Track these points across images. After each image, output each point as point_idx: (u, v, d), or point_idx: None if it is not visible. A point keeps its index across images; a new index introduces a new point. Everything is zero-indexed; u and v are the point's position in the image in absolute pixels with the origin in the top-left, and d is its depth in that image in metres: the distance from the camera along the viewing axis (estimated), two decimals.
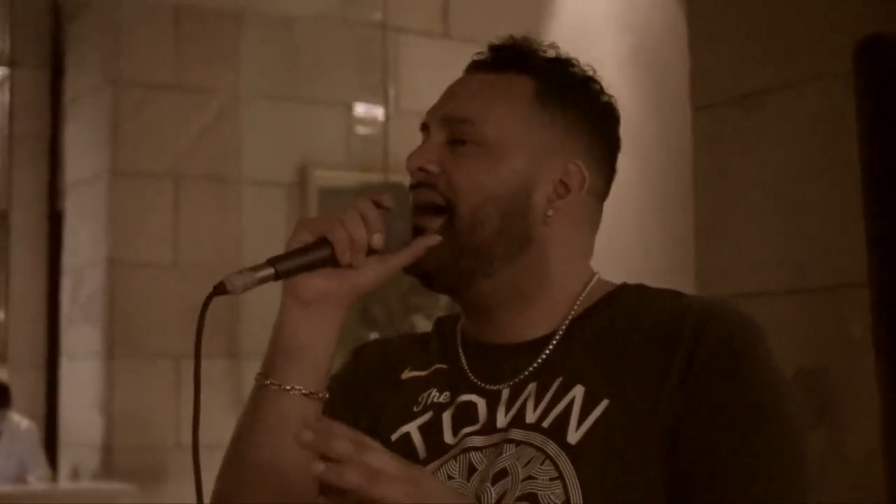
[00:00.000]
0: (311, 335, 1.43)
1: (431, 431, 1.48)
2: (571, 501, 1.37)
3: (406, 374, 1.54)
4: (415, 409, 1.50)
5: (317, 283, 1.40)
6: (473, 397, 1.48)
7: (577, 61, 1.51)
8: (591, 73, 1.52)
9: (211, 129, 6.04)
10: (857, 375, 2.66)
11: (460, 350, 1.52)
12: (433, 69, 6.82)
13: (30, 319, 6.71)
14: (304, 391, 1.42)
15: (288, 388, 1.42)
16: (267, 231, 5.62)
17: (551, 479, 1.38)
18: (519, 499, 1.39)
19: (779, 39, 2.97)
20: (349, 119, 5.84)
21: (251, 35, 6.11)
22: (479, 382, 1.48)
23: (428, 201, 1.44)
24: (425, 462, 1.46)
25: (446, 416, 1.48)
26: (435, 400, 1.50)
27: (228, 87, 6.18)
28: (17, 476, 6.06)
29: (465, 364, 1.51)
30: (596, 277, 1.51)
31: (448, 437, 1.47)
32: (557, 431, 1.40)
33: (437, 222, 1.43)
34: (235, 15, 6.17)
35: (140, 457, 5.81)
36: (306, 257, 1.38)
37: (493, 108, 1.45)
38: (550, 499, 1.38)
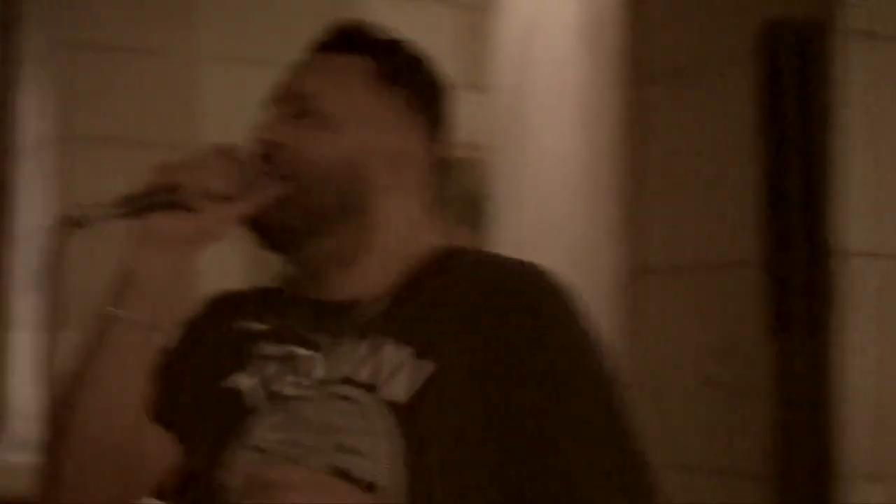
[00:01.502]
0: (156, 272, 1.57)
1: (260, 381, 1.64)
2: (391, 456, 1.53)
3: (242, 326, 1.69)
4: (247, 359, 1.65)
5: (167, 222, 1.56)
6: (302, 351, 1.63)
7: (412, 43, 1.73)
8: (423, 54, 1.73)
9: (167, 92, 6.21)
10: (763, 350, 2.92)
11: (291, 306, 1.68)
12: (398, 30, 7.05)
13: None
14: (146, 323, 1.57)
15: (138, 319, 1.56)
16: None
17: (373, 435, 1.54)
18: (344, 450, 1.54)
19: (707, 20, 3.22)
20: None
21: None
22: (307, 336, 1.64)
23: (274, 168, 1.62)
24: (255, 411, 1.62)
25: (276, 368, 1.64)
26: (265, 352, 1.65)
27: (182, 49, 6.32)
28: None
29: (295, 319, 1.66)
30: (429, 243, 1.69)
31: (278, 388, 1.62)
32: (383, 389, 1.55)
33: (275, 183, 1.61)
34: None
35: None
36: (156, 199, 1.55)
37: (334, 85, 1.64)
38: (372, 453, 1.53)
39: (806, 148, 2.73)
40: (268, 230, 1.64)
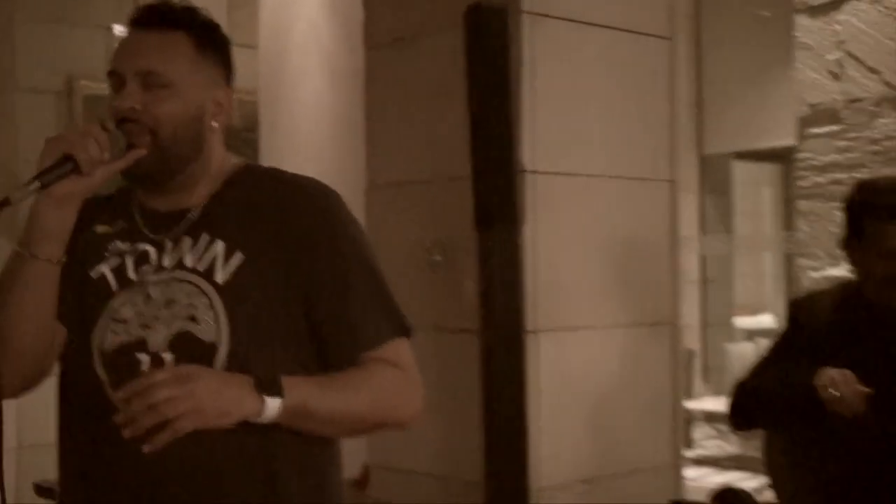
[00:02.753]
0: (59, 221, 1.68)
1: (119, 271, 1.75)
2: (220, 323, 1.66)
3: (98, 228, 1.79)
4: (106, 254, 1.77)
5: (65, 187, 1.65)
6: (147, 247, 1.75)
7: (208, 13, 1.80)
8: (218, 24, 1.82)
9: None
10: (471, 243, 3.05)
11: (137, 213, 1.79)
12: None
13: None
14: (53, 259, 1.68)
15: (42, 258, 1.68)
16: (41, 134, 5.48)
17: (206, 307, 1.68)
18: (184, 319, 1.68)
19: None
20: (109, 38, 5.79)
21: None
22: (150, 235, 1.76)
23: (136, 130, 1.69)
24: (117, 292, 1.74)
25: (129, 260, 1.75)
26: (120, 248, 1.77)
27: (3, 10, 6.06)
28: None
29: (140, 223, 1.78)
30: (231, 160, 1.82)
31: (131, 275, 1.74)
32: (208, 273, 1.70)
33: (145, 140, 1.70)
34: None
35: None
36: (59, 171, 1.64)
37: (167, 59, 1.71)
38: (206, 320, 1.67)
39: (500, 96, 2.92)
40: (138, 176, 1.73)
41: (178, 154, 1.73)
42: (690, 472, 7.49)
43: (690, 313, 8.56)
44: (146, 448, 1.53)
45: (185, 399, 1.53)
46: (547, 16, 3.16)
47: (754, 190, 8.65)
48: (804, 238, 4.69)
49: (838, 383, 2.51)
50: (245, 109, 4.80)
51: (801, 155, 4.58)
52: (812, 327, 2.78)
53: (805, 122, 4.53)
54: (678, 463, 3.59)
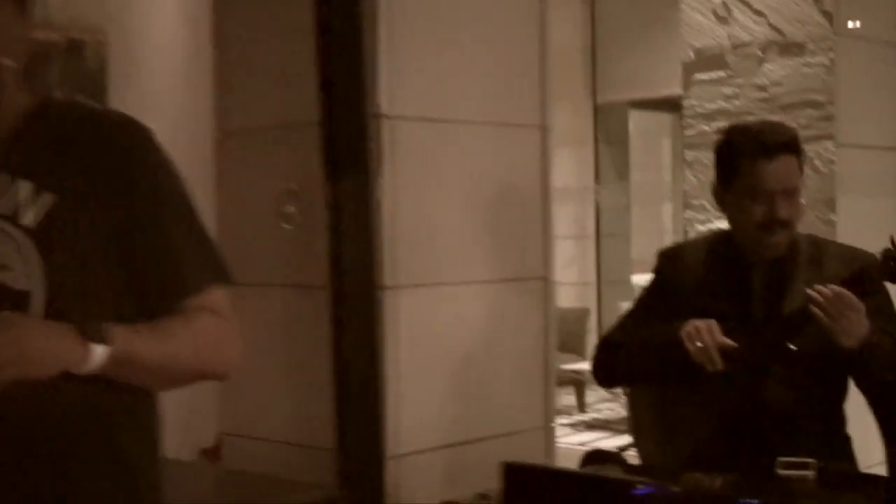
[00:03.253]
0: None
1: None
2: (32, 270, 1.54)
3: None
4: None
5: None
6: None
7: None
8: None
9: None
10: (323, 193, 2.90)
11: None
12: None
13: None
14: None
15: None
16: None
17: (14, 252, 1.54)
18: None
19: None
20: None
21: None
22: None
23: None
24: None
25: None
26: None
27: None
28: None
29: None
30: (28, 100, 1.65)
31: None
32: (13, 216, 1.55)
33: None
34: None
35: None
36: None
37: None
38: (15, 267, 1.54)
39: (347, 35, 2.74)
40: None
41: None
42: (583, 437, 7.45)
43: (588, 270, 8.51)
44: None
45: (8, 346, 1.42)
46: None
47: (652, 140, 8.57)
48: (690, 189, 4.58)
49: (703, 334, 2.42)
50: (93, 49, 4.58)
51: (686, 102, 4.45)
52: (680, 279, 2.69)
53: (690, 67, 4.40)
54: (550, 426, 3.44)
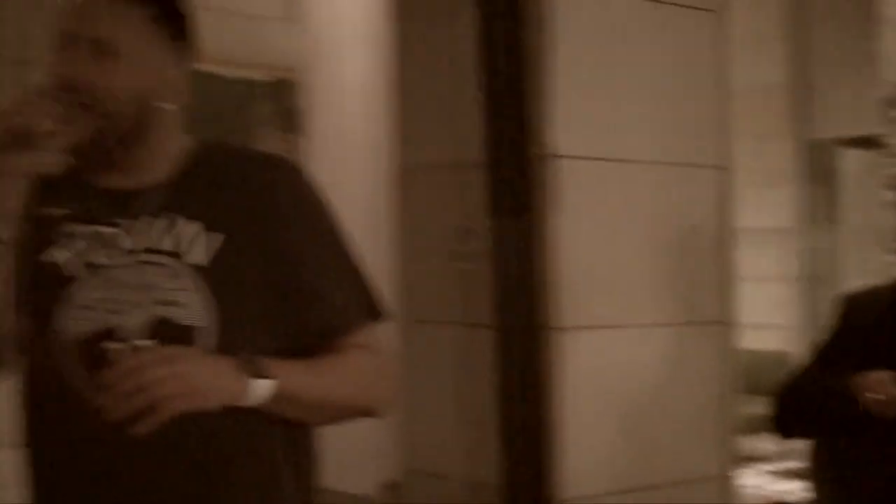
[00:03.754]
0: (4, 199, 1.54)
1: (76, 254, 1.63)
2: (203, 307, 1.59)
3: (47, 210, 1.65)
4: (59, 237, 1.64)
5: (9, 162, 1.52)
6: (104, 229, 1.64)
7: None
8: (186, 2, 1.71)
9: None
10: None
11: (89, 193, 1.66)
12: None
13: None
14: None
15: None
16: None
17: (184, 290, 1.59)
18: (160, 303, 1.58)
19: None
20: None
21: None
22: (106, 217, 1.64)
23: (79, 102, 1.57)
24: (75, 278, 1.61)
25: (86, 243, 1.63)
26: (74, 230, 1.64)
27: None
28: None
29: (94, 203, 1.65)
30: (185, 139, 1.71)
31: (90, 258, 1.62)
32: (186, 255, 1.60)
33: (87, 115, 1.57)
34: None
35: None
36: (6, 141, 1.50)
37: (125, 30, 1.60)
38: (186, 304, 1.58)
39: (513, 74, 2.72)
40: (81, 150, 1.60)
41: (123, 130, 1.62)
42: (784, 485, 7.13)
43: (788, 313, 8.19)
44: (133, 431, 1.44)
45: (174, 379, 1.46)
46: None
47: (861, 179, 8.19)
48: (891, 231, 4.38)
49: (878, 385, 2.33)
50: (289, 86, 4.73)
51: (887, 140, 4.26)
52: (863, 326, 2.58)
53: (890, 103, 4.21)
54: (729, 473, 3.32)
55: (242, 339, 1.60)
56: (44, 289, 1.62)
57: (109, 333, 1.58)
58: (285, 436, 1.67)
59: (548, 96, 2.87)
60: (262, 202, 1.65)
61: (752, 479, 4.22)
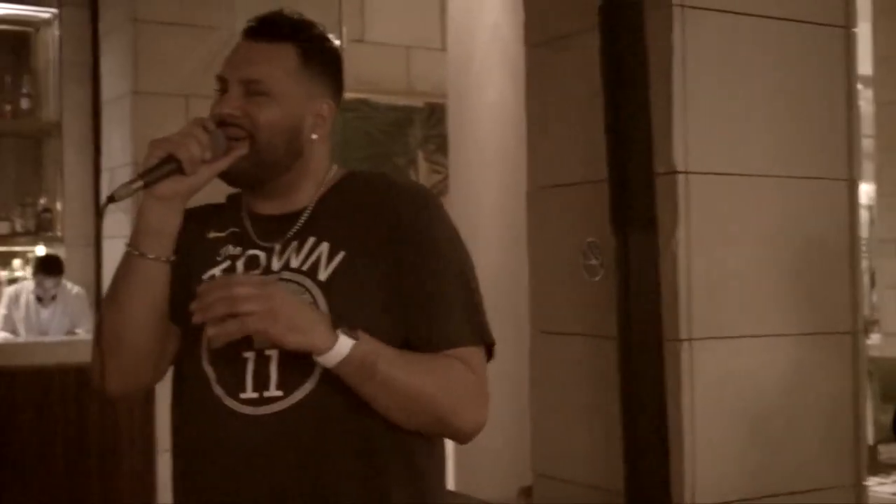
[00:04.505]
0: (165, 220, 1.72)
1: (230, 274, 1.77)
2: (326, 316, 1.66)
3: (210, 234, 1.82)
4: (217, 258, 1.80)
5: (168, 186, 1.69)
6: (256, 252, 1.78)
7: (321, 27, 1.85)
8: (329, 37, 1.87)
9: (213, 58, 6.26)
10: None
11: (246, 219, 1.83)
12: (389, 7, 7.07)
13: (81, 208, 6.88)
14: (161, 258, 1.73)
15: (151, 256, 1.72)
16: None
17: (309, 303, 1.68)
18: None
19: None
20: None
21: None
22: (259, 241, 1.79)
23: (236, 134, 1.74)
24: None
25: (240, 264, 1.78)
26: (231, 252, 1.79)
27: (226, 24, 6.36)
28: (69, 330, 6.35)
29: (249, 228, 1.81)
30: (334, 169, 1.85)
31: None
32: (312, 272, 1.72)
33: (243, 144, 1.74)
34: None
35: None
36: (162, 171, 1.68)
37: (274, 72, 1.75)
38: None
39: (634, 94, 2.77)
40: (235, 178, 1.78)
41: (273, 160, 1.76)
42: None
43: None
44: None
45: (263, 300, 1.56)
46: (700, 8, 2.95)
47: None
48: None
49: None
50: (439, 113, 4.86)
51: None
52: None
53: None
54: (863, 484, 3.29)
55: None
56: None
57: (244, 343, 1.67)
58: (399, 440, 1.71)
59: (675, 114, 2.91)
60: (386, 220, 1.74)
61: (890, 487, 4.13)
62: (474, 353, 1.73)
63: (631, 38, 2.69)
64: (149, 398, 5.97)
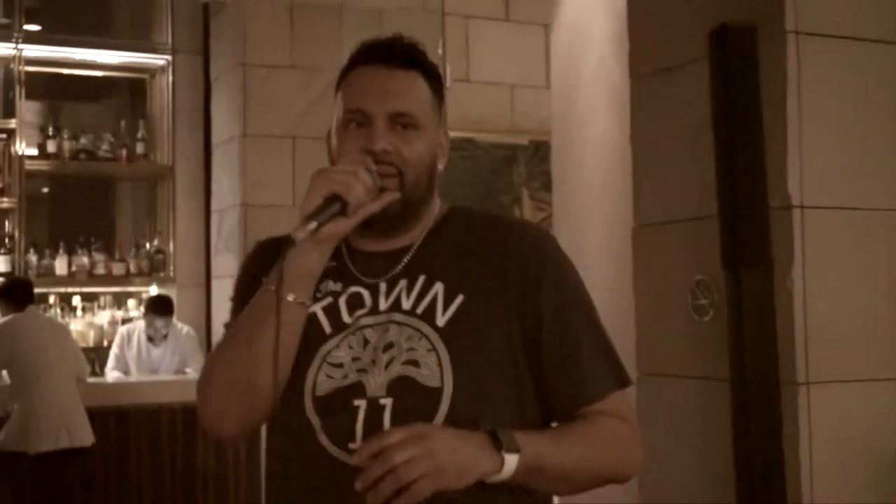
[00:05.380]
0: (316, 264, 1.60)
1: (332, 312, 1.63)
2: (443, 367, 1.55)
3: None
4: (317, 294, 1.64)
5: (329, 229, 1.55)
6: (360, 289, 1.64)
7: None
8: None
9: (320, 99, 6.28)
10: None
11: (346, 255, 1.67)
12: (493, 46, 7.01)
13: (192, 250, 6.91)
14: (305, 302, 1.60)
15: (298, 300, 1.59)
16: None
17: (427, 351, 1.56)
18: (404, 363, 1.56)
19: (683, 24, 3.07)
20: None
21: (349, 24, 6.27)
22: (363, 278, 1.64)
23: (387, 173, 1.60)
24: (331, 335, 1.61)
25: (342, 302, 1.63)
26: (331, 289, 1.65)
27: (333, 65, 6.39)
28: (179, 369, 6.36)
29: (350, 265, 1.66)
30: (437, 203, 1.71)
31: (345, 318, 1.62)
32: (428, 316, 1.58)
33: (393, 183, 1.60)
34: (337, 8, 6.36)
35: None
36: (329, 212, 1.53)
37: (418, 102, 1.63)
38: (428, 364, 1.55)
39: (747, 124, 2.61)
40: (381, 220, 1.62)
41: (418, 197, 1.64)
42: None
43: None
44: None
45: (425, 459, 1.41)
46: (815, 34, 2.78)
47: None
48: None
49: None
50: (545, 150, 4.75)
51: None
52: None
53: None
54: None
55: (481, 404, 1.55)
56: (301, 343, 1.62)
57: (355, 390, 1.56)
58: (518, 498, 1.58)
59: (790, 146, 2.74)
60: (509, 266, 1.61)
61: None
62: (620, 398, 1.63)
63: (743, 65, 2.54)
64: (255, 436, 5.97)
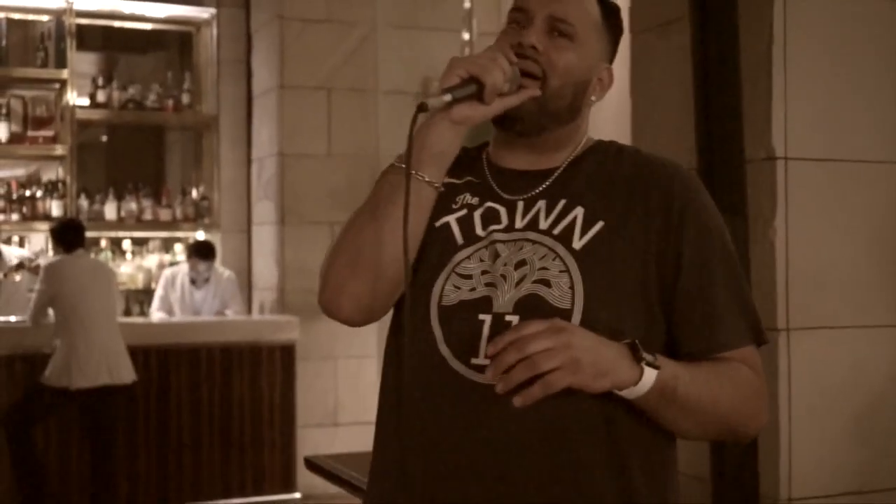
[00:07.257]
0: (449, 145, 1.53)
1: (466, 224, 1.57)
2: (574, 290, 1.47)
3: (446, 179, 1.58)
4: (453, 206, 1.59)
5: (464, 110, 1.49)
6: (497, 205, 1.57)
7: None
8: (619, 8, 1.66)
9: (354, 52, 6.31)
10: None
11: (487, 170, 1.62)
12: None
13: (236, 197, 7.00)
14: (435, 183, 1.54)
15: (426, 178, 1.52)
16: (397, 128, 5.72)
17: (560, 272, 1.49)
18: (535, 281, 1.49)
19: None
20: (459, 41, 5.98)
21: None
22: (501, 194, 1.58)
23: (530, 70, 1.53)
24: (462, 246, 1.56)
25: (477, 215, 1.57)
26: (468, 201, 1.59)
27: (367, 19, 6.39)
28: (219, 311, 6.47)
29: (490, 180, 1.60)
30: (587, 137, 1.64)
31: (479, 230, 1.56)
32: (565, 238, 1.51)
33: (534, 84, 1.53)
34: None
35: (303, 297, 6.13)
36: (465, 91, 1.48)
37: (582, 14, 1.56)
38: (560, 285, 1.48)
39: (723, 80, 2.63)
40: (514, 120, 1.56)
41: (556, 109, 1.56)
42: None
43: None
44: (517, 401, 1.35)
45: (562, 351, 1.34)
46: None
47: None
48: None
49: None
50: None
51: None
52: None
53: None
54: None
55: (612, 330, 1.45)
56: (431, 251, 1.57)
57: (482, 304, 1.50)
58: (640, 431, 1.51)
59: (775, 98, 2.75)
60: (653, 201, 1.53)
61: None
62: (753, 352, 1.54)
63: (721, 18, 2.52)
64: (289, 374, 6.09)
